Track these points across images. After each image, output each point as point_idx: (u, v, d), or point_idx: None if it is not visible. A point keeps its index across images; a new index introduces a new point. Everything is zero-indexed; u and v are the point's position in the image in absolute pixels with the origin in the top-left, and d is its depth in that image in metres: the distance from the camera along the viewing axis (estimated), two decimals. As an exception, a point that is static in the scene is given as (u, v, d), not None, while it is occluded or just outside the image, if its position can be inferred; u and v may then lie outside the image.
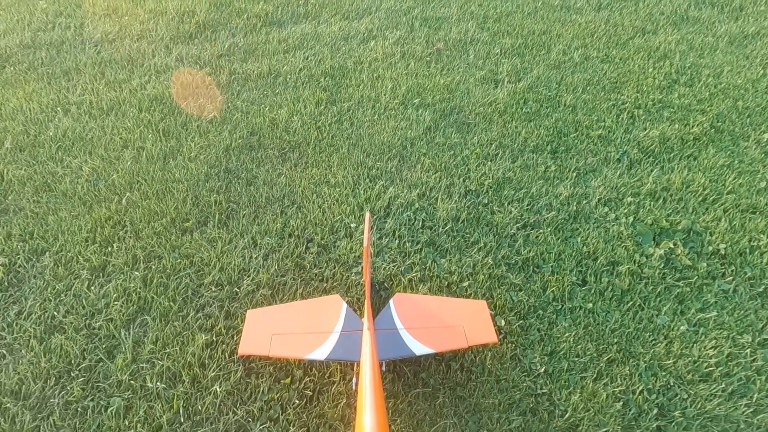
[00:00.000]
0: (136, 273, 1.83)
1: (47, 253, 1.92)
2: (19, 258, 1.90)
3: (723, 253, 1.89)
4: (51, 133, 2.42)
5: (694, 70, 2.82)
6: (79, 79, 2.77)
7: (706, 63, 2.88)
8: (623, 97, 2.64)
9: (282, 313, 1.60)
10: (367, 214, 1.52)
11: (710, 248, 1.91)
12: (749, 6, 3.39)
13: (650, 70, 2.82)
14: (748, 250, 1.91)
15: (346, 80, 2.76)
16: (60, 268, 1.86)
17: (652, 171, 2.23)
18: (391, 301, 1.63)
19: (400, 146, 2.35)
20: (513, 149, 2.34)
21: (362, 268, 1.84)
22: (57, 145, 2.36)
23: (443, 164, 2.26)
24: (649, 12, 3.33)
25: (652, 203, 2.09)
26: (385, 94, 2.64)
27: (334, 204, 2.09)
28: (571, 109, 2.56)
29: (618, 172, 2.23)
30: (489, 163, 2.27)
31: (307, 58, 2.92)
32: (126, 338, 1.65)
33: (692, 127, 2.45)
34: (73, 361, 1.59)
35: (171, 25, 3.21)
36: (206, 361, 1.59)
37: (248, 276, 1.84)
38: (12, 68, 2.86)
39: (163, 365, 1.58)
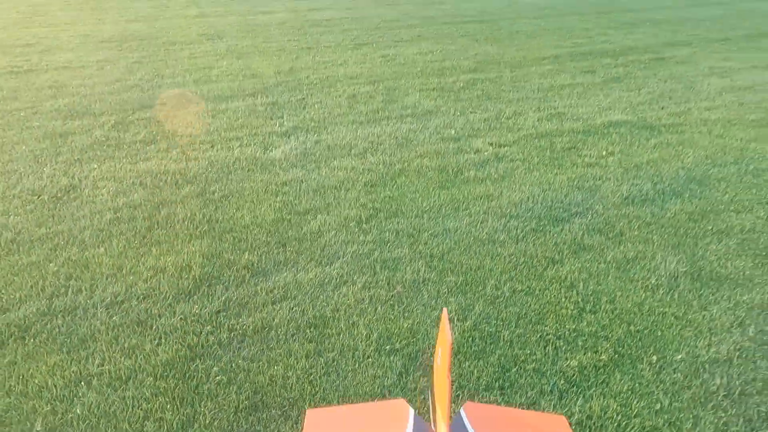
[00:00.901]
0: None
1: None
2: None
3: (638, 477, 2.47)
4: (78, 411, 2.79)
5: (595, 297, 3.67)
6: (96, 347, 3.21)
7: (602, 289, 3.75)
8: (546, 328, 3.38)
9: (344, 416, 1.51)
10: (444, 310, 1.43)
11: (629, 473, 2.49)
12: (626, 231, 4.46)
13: (563, 300, 3.64)
14: (656, 472, 2.50)
15: (327, 329, 3.36)
16: None
17: (577, 401, 2.87)
18: (462, 410, 1.56)
19: (381, 395, 2.90)
20: (470, 389, 2.94)
21: (432, 368, 1.64)
22: (85, 423, 2.72)
23: (418, 412, 2.80)
24: (554, 242, 4.30)
25: (581, 433, 2.69)
26: (361, 342, 3.25)
27: (333, 461, 2.53)
28: (509, 344, 3.26)
29: (552, 404, 2.85)
30: (454, 405, 2.84)
31: (292, 309, 3.54)
32: None
33: (600, 354, 3.18)
34: None
35: (171, 281, 3.79)
36: None
37: None
38: (32, 339, 3.27)
39: None
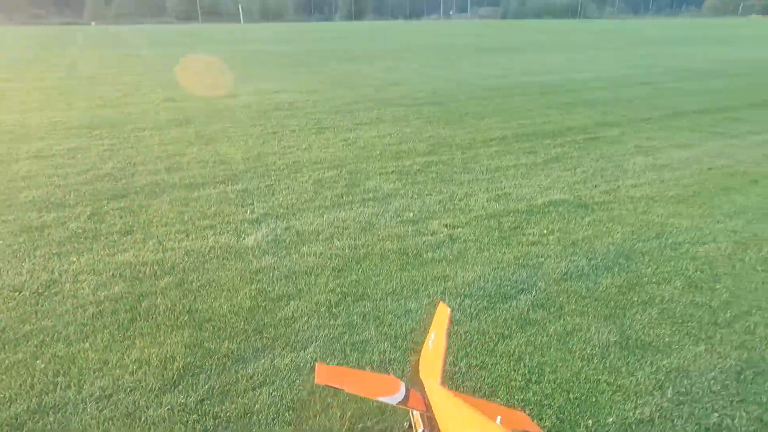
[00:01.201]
0: None
1: None
2: None
3: None
4: (75, 505, 3.01)
5: (540, 369, 4.18)
6: (88, 441, 3.45)
7: (546, 361, 4.28)
8: (498, 400, 3.85)
9: (348, 374, 2.13)
10: (439, 301, 2.10)
11: None
12: (565, 305, 5.06)
13: (512, 372, 4.13)
14: None
15: (305, 412, 3.70)
16: None
17: (526, 465, 3.31)
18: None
19: (355, 472, 3.25)
20: (433, 461, 3.33)
21: (420, 354, 2.34)
22: None
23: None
24: (504, 318, 4.85)
25: (530, 495, 3.11)
26: (336, 422, 3.61)
27: None
28: (466, 416, 3.69)
29: (505, 470, 3.27)
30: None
31: (272, 394, 3.88)
32: None
33: (545, 421, 3.64)
34: None
35: (156, 373, 4.08)
36: None
37: None
38: (25, 438, 3.48)
39: None
